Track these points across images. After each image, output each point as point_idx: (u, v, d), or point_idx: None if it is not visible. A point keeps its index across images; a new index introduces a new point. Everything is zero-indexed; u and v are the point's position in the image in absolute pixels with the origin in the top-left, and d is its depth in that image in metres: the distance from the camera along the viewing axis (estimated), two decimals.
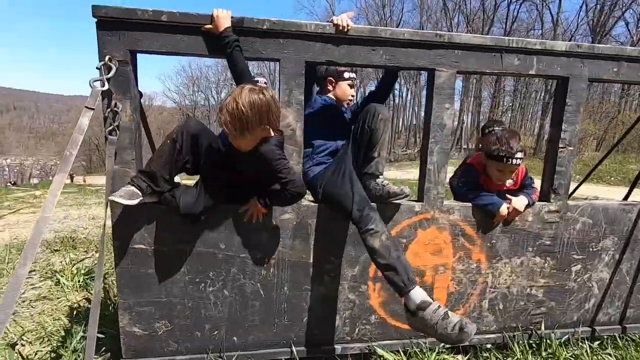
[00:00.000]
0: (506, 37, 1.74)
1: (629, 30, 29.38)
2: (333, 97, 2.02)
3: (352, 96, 2.04)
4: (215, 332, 1.77)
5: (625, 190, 2.63)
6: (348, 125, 1.94)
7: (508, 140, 1.82)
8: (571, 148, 1.91)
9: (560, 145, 1.90)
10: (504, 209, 1.83)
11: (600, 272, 2.09)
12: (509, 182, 1.97)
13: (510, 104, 36.80)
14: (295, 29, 1.56)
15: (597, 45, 1.84)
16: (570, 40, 30.87)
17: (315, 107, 1.95)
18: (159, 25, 1.48)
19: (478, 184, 1.98)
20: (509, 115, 39.17)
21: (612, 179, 17.52)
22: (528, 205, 1.92)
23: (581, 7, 30.41)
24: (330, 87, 2.02)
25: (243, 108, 1.34)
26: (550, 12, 31.46)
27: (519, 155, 1.83)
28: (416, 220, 1.84)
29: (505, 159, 1.83)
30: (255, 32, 1.55)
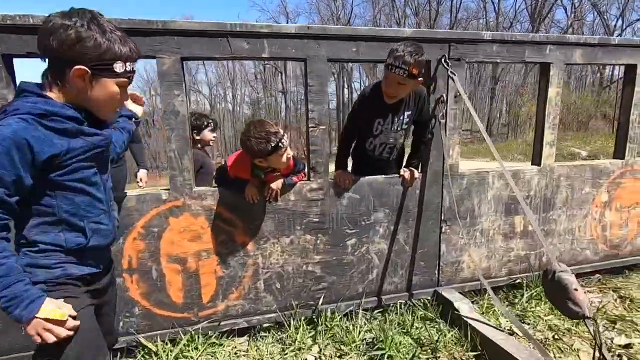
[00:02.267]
0: (229, 22, 1.77)
1: (567, 15, 31.16)
2: None
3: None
4: None
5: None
6: None
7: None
8: (323, 127, 1.98)
9: (310, 125, 1.96)
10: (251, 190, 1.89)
11: (378, 244, 2.19)
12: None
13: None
14: None
15: (329, 26, 1.91)
16: (509, 28, 32.34)
17: None
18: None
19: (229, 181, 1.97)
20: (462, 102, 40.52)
21: None
22: (291, 186, 1.98)
23: None
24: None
25: None
26: (492, 1, 32.78)
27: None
28: (165, 209, 1.84)
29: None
30: None
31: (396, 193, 2.16)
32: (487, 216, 2.35)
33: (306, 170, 2.07)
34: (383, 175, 2.14)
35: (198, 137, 2.77)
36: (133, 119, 1.50)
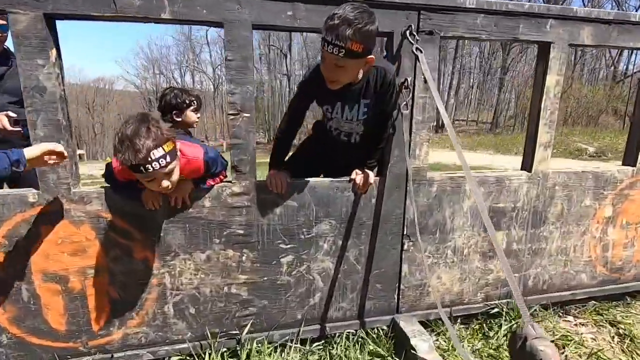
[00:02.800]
0: None
1: (584, 4, 29.79)
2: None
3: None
4: None
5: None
6: None
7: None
8: (247, 115, 1.53)
9: (231, 112, 1.52)
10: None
11: (322, 262, 1.77)
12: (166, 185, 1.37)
13: (473, 82, 37.07)
14: None
15: None
16: None
17: None
18: None
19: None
20: (473, 90, 39.49)
21: (554, 151, 17.98)
22: (206, 190, 1.56)
23: None
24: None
25: None
26: None
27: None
28: (34, 214, 1.43)
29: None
30: None
31: (345, 201, 1.72)
32: (462, 231, 1.92)
33: (229, 169, 1.64)
34: (329, 179, 1.70)
35: (179, 119, 2.23)
36: (15, 166, 1.15)
